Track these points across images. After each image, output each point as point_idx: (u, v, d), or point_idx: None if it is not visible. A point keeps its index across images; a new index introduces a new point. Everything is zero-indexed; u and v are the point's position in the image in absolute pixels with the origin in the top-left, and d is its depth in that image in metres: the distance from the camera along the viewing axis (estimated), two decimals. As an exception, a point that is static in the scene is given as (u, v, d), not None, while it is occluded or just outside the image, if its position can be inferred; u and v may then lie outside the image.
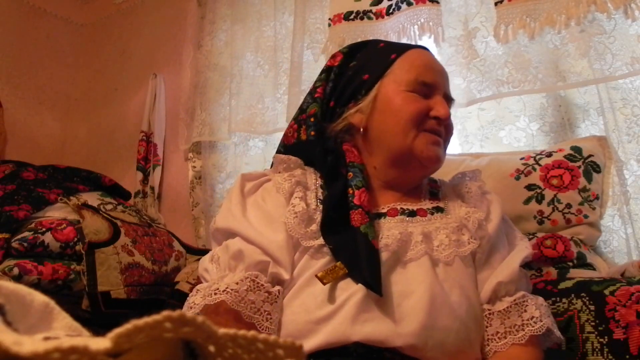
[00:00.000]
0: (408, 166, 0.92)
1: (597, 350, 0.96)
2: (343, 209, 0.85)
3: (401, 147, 0.91)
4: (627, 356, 0.92)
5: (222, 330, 0.29)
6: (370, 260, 0.80)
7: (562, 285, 1.07)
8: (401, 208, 0.91)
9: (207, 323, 0.28)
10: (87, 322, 0.58)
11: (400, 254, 0.84)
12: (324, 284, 0.79)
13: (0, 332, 0.27)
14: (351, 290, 0.79)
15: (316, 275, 0.80)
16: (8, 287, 0.34)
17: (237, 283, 0.80)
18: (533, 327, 0.82)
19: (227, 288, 0.79)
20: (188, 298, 0.84)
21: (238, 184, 0.93)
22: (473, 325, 0.83)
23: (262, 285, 0.81)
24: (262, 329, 0.79)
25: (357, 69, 0.98)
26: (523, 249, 0.92)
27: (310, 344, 0.76)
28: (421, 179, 0.98)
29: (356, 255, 0.80)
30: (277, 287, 0.82)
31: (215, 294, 0.79)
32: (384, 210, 0.90)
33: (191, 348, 0.31)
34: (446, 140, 0.95)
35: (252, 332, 0.29)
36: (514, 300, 0.85)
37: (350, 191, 0.87)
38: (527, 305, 0.85)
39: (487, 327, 0.85)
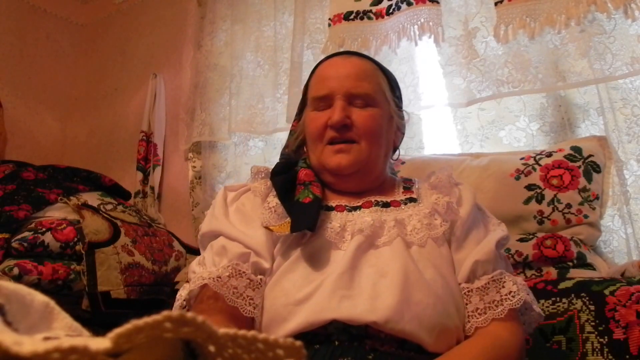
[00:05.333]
0: (329, 177, 1.00)
1: (597, 350, 0.96)
2: (292, 185, 0.98)
3: (316, 163, 1.00)
4: (627, 356, 0.92)
5: (222, 330, 0.29)
6: (306, 207, 0.90)
7: (562, 285, 1.07)
8: (375, 200, 0.97)
9: (207, 323, 0.28)
10: (87, 322, 0.58)
11: (374, 238, 0.89)
12: (271, 230, 0.89)
13: (0, 332, 0.27)
14: (327, 272, 0.84)
15: (265, 226, 0.89)
16: (8, 287, 0.34)
17: (219, 270, 0.85)
18: (511, 301, 0.85)
19: (210, 275, 0.85)
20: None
21: (221, 194, 1.01)
22: (450, 301, 0.85)
23: (244, 272, 0.86)
24: (246, 313, 0.83)
25: (304, 87, 1.08)
26: (499, 231, 0.95)
27: (291, 325, 0.80)
28: (359, 185, 1.00)
29: (300, 207, 0.92)
30: (260, 276, 0.88)
31: (198, 280, 0.85)
32: (359, 204, 0.97)
33: (191, 348, 0.31)
34: (362, 139, 0.96)
35: (252, 332, 0.29)
36: (492, 277, 0.88)
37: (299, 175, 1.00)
38: (504, 282, 0.88)
39: (467, 304, 0.88)
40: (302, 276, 0.85)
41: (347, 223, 0.91)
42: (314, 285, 0.83)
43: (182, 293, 0.89)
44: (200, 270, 0.89)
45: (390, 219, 0.91)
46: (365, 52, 1.64)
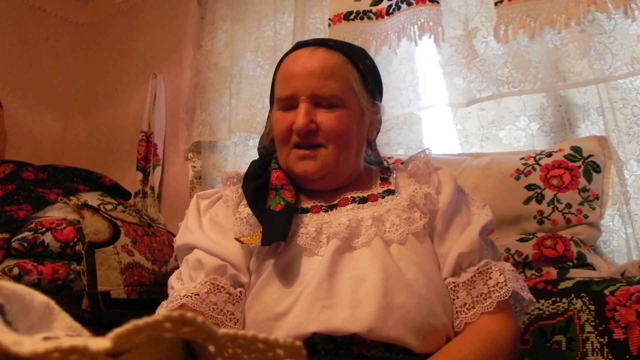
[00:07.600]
0: (297, 180, 0.95)
1: (597, 350, 0.96)
2: (265, 190, 0.93)
3: (283, 166, 0.95)
4: (627, 356, 0.92)
5: (222, 331, 0.29)
6: (277, 215, 0.86)
7: (562, 285, 1.07)
8: (352, 197, 0.93)
9: (207, 323, 0.28)
10: (87, 322, 0.58)
11: (351, 239, 0.85)
12: (242, 243, 0.85)
13: (0, 332, 0.27)
14: (305, 282, 0.81)
15: (236, 238, 0.86)
16: (8, 287, 0.34)
17: (196, 287, 0.83)
18: (499, 292, 0.82)
19: (187, 293, 0.82)
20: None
21: (194, 203, 0.97)
22: (435, 299, 0.82)
23: (223, 287, 0.84)
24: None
25: (273, 79, 1.02)
26: (482, 217, 0.92)
27: None
28: (329, 185, 0.95)
29: (271, 216, 0.87)
30: (239, 289, 0.85)
31: (176, 300, 0.82)
32: (335, 202, 0.93)
33: (191, 348, 0.31)
34: (329, 143, 0.91)
35: (252, 332, 0.29)
36: (478, 269, 0.85)
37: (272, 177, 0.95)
38: (491, 272, 0.84)
39: (454, 299, 0.85)
40: (280, 288, 0.82)
41: (322, 225, 0.87)
42: (293, 298, 0.80)
43: (160, 312, 0.85)
44: (179, 287, 0.86)
45: (367, 216, 0.88)
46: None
